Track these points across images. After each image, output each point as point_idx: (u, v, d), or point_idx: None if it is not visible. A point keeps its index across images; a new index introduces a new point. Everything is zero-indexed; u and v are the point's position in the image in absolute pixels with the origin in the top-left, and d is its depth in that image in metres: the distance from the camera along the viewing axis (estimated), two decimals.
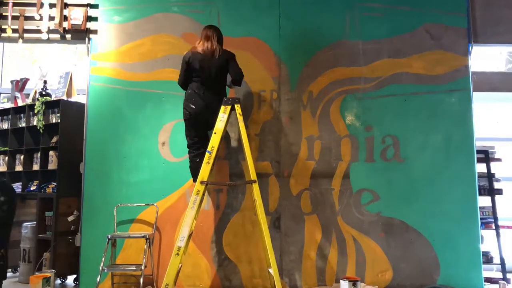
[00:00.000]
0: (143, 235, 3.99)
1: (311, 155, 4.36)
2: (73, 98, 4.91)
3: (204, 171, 3.49)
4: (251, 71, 4.45)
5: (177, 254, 3.34)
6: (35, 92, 5.03)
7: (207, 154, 3.53)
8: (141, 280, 3.79)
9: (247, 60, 4.46)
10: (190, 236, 3.77)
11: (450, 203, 4.22)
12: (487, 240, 4.50)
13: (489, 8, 4.74)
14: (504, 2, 4.77)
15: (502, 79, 4.98)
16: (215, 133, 3.61)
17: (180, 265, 3.89)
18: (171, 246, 4.20)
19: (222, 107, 3.69)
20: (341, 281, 3.64)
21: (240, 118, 3.69)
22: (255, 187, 3.48)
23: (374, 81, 4.44)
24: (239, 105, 3.73)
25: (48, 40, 4.73)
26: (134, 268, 3.95)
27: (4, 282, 4.61)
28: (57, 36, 4.72)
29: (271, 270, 3.40)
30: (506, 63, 5.62)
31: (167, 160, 4.35)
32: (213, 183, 3.88)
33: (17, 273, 4.80)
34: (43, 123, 4.68)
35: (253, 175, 3.52)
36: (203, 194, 3.51)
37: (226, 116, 3.67)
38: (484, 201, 4.55)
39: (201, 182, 3.47)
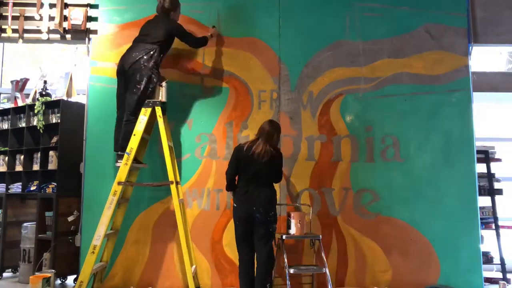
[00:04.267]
0: None
1: (311, 155, 4.36)
2: (73, 98, 4.91)
3: (122, 172, 3.58)
4: (251, 71, 4.46)
5: (93, 252, 3.44)
6: (35, 92, 5.03)
7: (125, 156, 3.59)
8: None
9: (247, 60, 4.47)
10: (114, 235, 3.94)
11: (450, 203, 4.22)
12: (487, 240, 4.50)
13: (489, 8, 4.74)
14: (504, 2, 4.78)
15: (502, 79, 4.98)
16: (134, 135, 3.67)
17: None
18: (170, 246, 4.21)
19: (143, 109, 3.75)
20: None
21: (160, 121, 3.76)
22: (172, 188, 3.69)
23: (374, 81, 4.44)
24: (159, 108, 3.80)
25: (48, 40, 4.74)
26: None
27: (4, 282, 4.63)
28: (57, 36, 4.72)
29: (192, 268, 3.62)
30: (506, 63, 5.62)
31: None
32: (130, 183, 3.93)
33: (17, 273, 4.80)
34: (43, 123, 4.68)
35: (170, 177, 3.70)
36: (120, 195, 3.66)
37: (146, 118, 3.73)
38: (484, 201, 4.56)
39: (119, 183, 3.57)
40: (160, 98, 3.93)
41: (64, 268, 4.48)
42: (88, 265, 3.46)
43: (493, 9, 4.74)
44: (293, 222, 3.81)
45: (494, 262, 4.52)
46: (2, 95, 5.95)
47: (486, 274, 4.37)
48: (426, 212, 4.18)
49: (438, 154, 4.31)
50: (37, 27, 4.64)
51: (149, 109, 3.82)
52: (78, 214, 4.52)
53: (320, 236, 3.82)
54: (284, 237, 3.67)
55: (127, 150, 3.65)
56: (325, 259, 3.63)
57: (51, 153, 4.65)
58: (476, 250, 4.16)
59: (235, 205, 3.50)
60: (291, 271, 3.54)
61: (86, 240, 4.23)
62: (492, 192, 4.62)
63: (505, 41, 4.80)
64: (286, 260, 3.57)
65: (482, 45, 4.79)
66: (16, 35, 4.66)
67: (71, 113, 4.64)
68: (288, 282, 3.49)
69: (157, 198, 4.29)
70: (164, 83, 3.94)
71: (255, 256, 3.47)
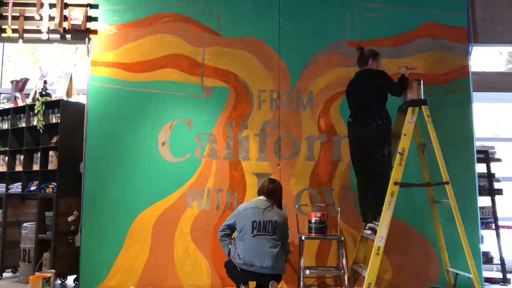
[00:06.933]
0: None
1: (311, 155, 4.36)
2: (73, 98, 4.91)
3: (397, 172, 3.57)
4: (251, 71, 4.46)
5: (377, 254, 3.43)
6: (35, 92, 5.03)
7: (398, 156, 3.57)
8: None
9: (247, 60, 4.47)
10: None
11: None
12: (487, 240, 4.50)
13: (489, 8, 4.74)
14: (504, 2, 4.78)
15: (502, 79, 4.98)
16: (404, 134, 3.63)
17: None
18: (171, 245, 4.21)
19: (410, 109, 3.68)
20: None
21: (428, 120, 3.70)
22: (448, 188, 3.60)
23: None
24: (426, 107, 3.71)
25: (48, 40, 4.74)
26: None
27: (4, 282, 4.63)
28: (57, 36, 4.73)
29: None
30: (506, 63, 5.62)
31: (167, 160, 4.35)
32: (406, 184, 3.77)
33: (17, 273, 4.80)
34: (43, 123, 4.68)
35: (445, 177, 3.61)
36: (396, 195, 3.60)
37: (414, 117, 3.69)
38: (484, 201, 4.55)
39: (395, 183, 3.56)
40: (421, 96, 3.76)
41: (64, 268, 4.48)
42: (375, 266, 3.40)
43: (493, 9, 4.74)
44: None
45: (494, 262, 4.52)
46: (2, 95, 5.94)
47: (486, 274, 4.37)
48: (426, 212, 4.16)
49: None
50: (37, 27, 4.64)
51: (417, 108, 3.70)
52: (78, 214, 4.52)
53: (343, 237, 3.80)
54: (303, 237, 3.65)
55: (399, 150, 3.59)
56: (344, 261, 3.60)
57: (51, 153, 4.65)
58: (476, 250, 4.16)
59: None
60: (307, 272, 3.52)
61: (86, 240, 4.24)
62: (492, 192, 4.62)
63: (505, 41, 4.80)
64: (302, 261, 3.54)
65: (482, 45, 4.79)
66: (16, 35, 4.66)
67: (71, 113, 4.64)
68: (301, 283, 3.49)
69: (158, 197, 4.29)
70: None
71: None
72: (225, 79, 4.46)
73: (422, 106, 3.69)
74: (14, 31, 4.65)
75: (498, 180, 4.71)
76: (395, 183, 3.54)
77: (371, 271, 3.38)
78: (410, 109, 3.67)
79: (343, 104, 4.41)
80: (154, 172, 4.33)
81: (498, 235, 4.50)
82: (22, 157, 4.91)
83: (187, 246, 4.24)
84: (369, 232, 3.70)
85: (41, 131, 4.70)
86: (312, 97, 4.43)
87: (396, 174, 3.56)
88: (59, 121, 4.59)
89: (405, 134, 3.62)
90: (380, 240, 3.44)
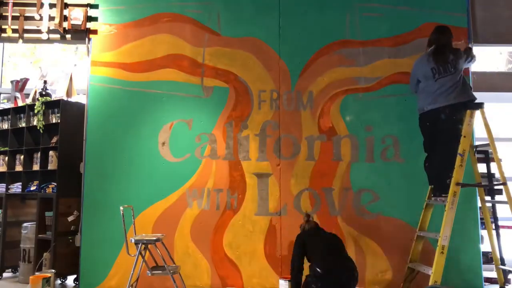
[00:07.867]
0: None
1: (311, 155, 4.36)
2: (73, 98, 4.91)
3: (458, 173, 3.60)
4: (251, 71, 4.46)
5: (442, 252, 3.48)
6: (35, 92, 5.03)
7: (459, 157, 3.62)
8: None
9: (247, 60, 4.47)
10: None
11: None
12: (487, 240, 4.49)
13: (489, 8, 4.74)
14: (504, 2, 4.78)
15: (502, 79, 4.98)
16: (464, 136, 3.68)
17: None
18: (171, 245, 4.21)
19: (468, 112, 3.73)
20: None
21: (486, 123, 3.80)
22: (506, 189, 3.77)
23: (374, 81, 4.44)
24: (483, 110, 3.79)
25: (48, 40, 4.76)
26: None
27: (4, 282, 4.62)
28: (57, 36, 4.74)
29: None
30: (506, 63, 5.62)
31: (167, 160, 4.35)
32: (467, 185, 3.83)
33: (17, 273, 4.80)
34: (43, 123, 4.68)
35: (502, 178, 3.82)
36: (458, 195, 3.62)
37: (473, 120, 3.76)
38: None
39: (457, 184, 3.60)
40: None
41: (64, 268, 4.48)
42: (440, 264, 3.44)
43: (493, 9, 4.75)
44: None
45: (494, 262, 4.51)
46: (2, 95, 5.95)
47: (486, 274, 4.36)
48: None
49: None
50: (37, 27, 4.65)
51: (475, 112, 3.76)
52: (78, 214, 4.52)
53: None
54: None
55: (460, 151, 3.63)
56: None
57: (51, 153, 4.65)
58: (476, 250, 4.16)
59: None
60: None
61: (86, 240, 4.24)
62: (492, 192, 4.61)
63: (505, 41, 4.80)
64: None
65: (482, 45, 4.79)
66: (16, 35, 4.67)
67: (71, 113, 4.64)
68: None
69: (158, 197, 4.29)
70: None
71: None
72: (225, 79, 4.47)
73: (480, 109, 3.80)
74: (14, 31, 4.66)
75: (498, 180, 4.69)
76: (457, 184, 3.60)
77: (436, 269, 3.45)
78: (468, 112, 3.76)
79: (343, 104, 4.41)
80: (154, 172, 4.33)
81: (498, 235, 4.49)
82: (22, 157, 4.91)
83: (187, 246, 4.24)
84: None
85: (41, 131, 4.71)
86: (312, 97, 4.43)
87: (457, 175, 3.62)
88: (59, 121, 4.59)
89: (464, 136, 3.69)
90: (444, 239, 3.50)
